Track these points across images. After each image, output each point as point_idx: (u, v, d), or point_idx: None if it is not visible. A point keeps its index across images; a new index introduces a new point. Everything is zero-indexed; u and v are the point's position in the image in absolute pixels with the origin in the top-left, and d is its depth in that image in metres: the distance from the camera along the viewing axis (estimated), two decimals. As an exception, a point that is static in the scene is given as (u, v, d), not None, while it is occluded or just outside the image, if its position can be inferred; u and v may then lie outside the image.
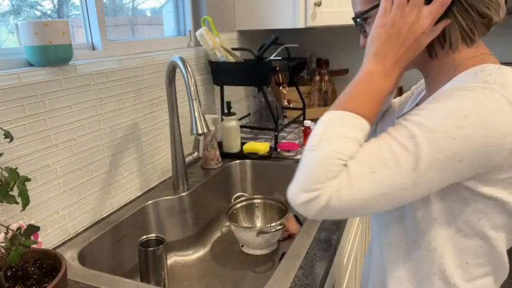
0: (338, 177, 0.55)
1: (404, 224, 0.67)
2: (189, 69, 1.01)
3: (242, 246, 1.21)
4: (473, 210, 0.60)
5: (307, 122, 1.59)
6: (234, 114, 1.49)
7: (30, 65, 0.92)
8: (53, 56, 0.90)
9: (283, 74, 2.17)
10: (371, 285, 0.80)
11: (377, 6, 0.61)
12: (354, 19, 0.67)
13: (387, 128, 0.58)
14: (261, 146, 1.48)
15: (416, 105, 0.72)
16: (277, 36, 1.45)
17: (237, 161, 1.49)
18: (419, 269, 0.66)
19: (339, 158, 0.55)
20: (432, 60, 0.64)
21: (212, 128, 1.40)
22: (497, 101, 0.52)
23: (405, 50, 0.59)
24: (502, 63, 0.63)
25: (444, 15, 0.57)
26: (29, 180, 0.69)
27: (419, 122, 0.54)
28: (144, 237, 0.99)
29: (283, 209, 1.22)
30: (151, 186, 1.29)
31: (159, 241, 0.98)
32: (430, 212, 0.62)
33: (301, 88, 2.05)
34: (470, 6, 0.57)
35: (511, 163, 0.55)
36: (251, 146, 1.50)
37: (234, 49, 1.62)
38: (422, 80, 0.75)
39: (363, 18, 0.65)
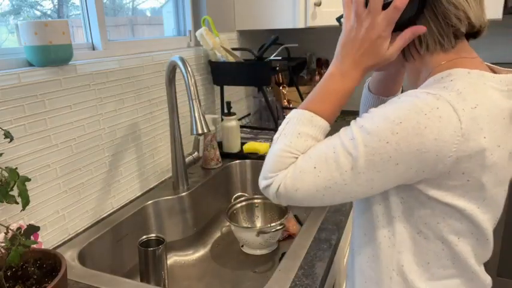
0: (287, 169, 0.63)
1: (367, 216, 0.70)
2: (189, 69, 1.01)
3: (242, 246, 1.21)
4: (431, 213, 0.61)
5: (307, 122, 1.59)
6: (234, 114, 1.49)
7: (30, 65, 0.92)
8: (53, 56, 0.90)
9: (283, 74, 2.17)
10: (349, 275, 0.82)
11: None
12: (338, 20, 0.75)
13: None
14: (261, 146, 1.48)
15: None
16: (277, 36, 1.45)
17: (237, 161, 1.49)
18: (379, 263, 0.69)
19: (290, 152, 0.63)
20: (409, 64, 0.67)
21: (212, 128, 1.40)
22: (438, 108, 0.53)
23: (362, 53, 0.63)
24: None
25: (417, 21, 0.60)
26: (29, 180, 0.69)
27: (361, 125, 0.58)
28: (144, 237, 0.98)
29: (283, 209, 1.22)
30: (151, 186, 1.29)
31: (159, 241, 0.98)
32: (389, 209, 0.65)
33: (301, 88, 2.05)
34: (440, 14, 0.59)
35: (462, 171, 0.55)
36: (251, 146, 1.50)
37: (234, 49, 1.62)
38: None
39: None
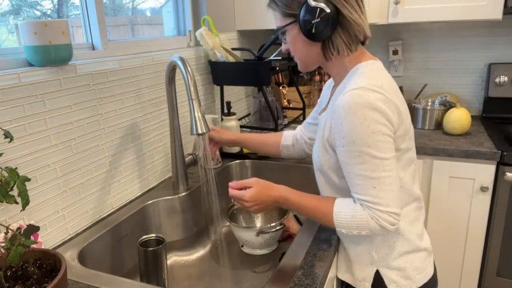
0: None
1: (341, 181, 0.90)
2: (189, 69, 1.01)
3: (242, 246, 1.21)
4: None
5: (307, 122, 1.59)
6: (234, 114, 1.49)
7: (30, 64, 0.92)
8: (52, 55, 0.90)
9: (283, 74, 2.17)
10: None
11: (292, 23, 0.86)
12: (276, 31, 0.93)
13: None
14: None
15: (331, 94, 0.97)
16: (277, 36, 1.45)
17: (237, 161, 1.49)
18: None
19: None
20: (329, 63, 0.89)
21: (212, 128, 1.40)
22: (369, 96, 0.77)
23: (261, 208, 0.94)
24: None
25: (332, 35, 0.83)
26: (29, 180, 0.69)
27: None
28: (144, 237, 0.98)
29: (283, 209, 1.22)
30: (151, 186, 1.29)
31: (159, 241, 0.98)
32: None
33: (301, 88, 2.05)
34: (348, 30, 0.83)
35: (401, 123, 0.82)
36: None
37: (234, 49, 1.62)
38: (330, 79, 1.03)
39: (282, 32, 0.91)
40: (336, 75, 0.91)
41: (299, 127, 1.19)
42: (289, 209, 0.94)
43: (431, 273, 0.94)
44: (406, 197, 0.89)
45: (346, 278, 0.97)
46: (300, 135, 1.17)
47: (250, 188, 0.90)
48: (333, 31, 0.82)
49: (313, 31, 0.82)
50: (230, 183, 0.93)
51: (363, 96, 0.76)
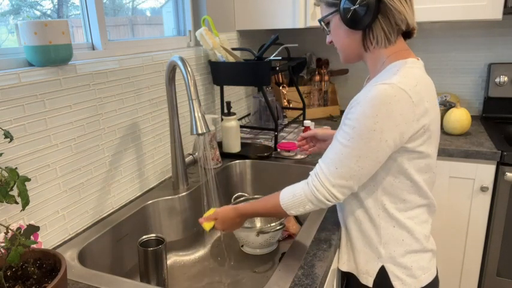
0: None
1: None
2: (189, 69, 1.01)
3: (242, 246, 1.21)
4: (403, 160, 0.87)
5: (307, 122, 1.59)
6: (234, 114, 1.49)
7: (30, 64, 0.92)
8: (52, 55, 0.90)
9: (283, 74, 2.17)
10: (342, 222, 0.99)
11: (334, 12, 0.88)
12: (319, 21, 0.94)
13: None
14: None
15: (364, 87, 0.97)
16: (277, 36, 1.45)
17: (237, 161, 1.49)
18: (368, 207, 0.90)
19: None
20: (367, 54, 0.89)
21: (212, 128, 1.40)
22: (395, 96, 0.77)
23: (228, 227, 1.02)
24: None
25: (373, 23, 0.83)
26: (28, 180, 0.69)
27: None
28: (144, 237, 0.98)
29: (283, 209, 1.22)
30: (151, 186, 1.29)
31: (159, 241, 0.98)
32: None
33: (301, 88, 2.05)
34: (388, 17, 0.82)
35: (422, 126, 0.80)
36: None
37: (234, 49, 1.62)
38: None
39: (325, 22, 0.92)
40: (372, 66, 0.91)
41: None
42: (253, 217, 1.04)
43: (435, 273, 0.95)
44: (420, 200, 0.89)
45: (349, 268, 0.98)
46: None
47: (216, 219, 0.99)
48: (373, 19, 0.81)
49: (354, 18, 0.82)
50: (200, 220, 1.00)
51: (388, 93, 0.76)
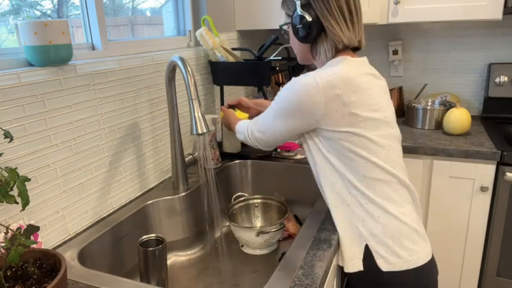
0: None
1: (316, 165, 1.00)
2: (189, 69, 1.01)
3: (242, 246, 1.21)
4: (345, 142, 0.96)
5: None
6: (234, 114, 1.49)
7: (30, 64, 0.92)
8: (52, 55, 0.90)
9: (283, 74, 2.17)
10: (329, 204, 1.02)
11: (288, 23, 1.02)
12: (280, 27, 1.08)
13: None
14: (241, 115, 1.43)
15: None
16: (277, 36, 1.45)
17: (237, 161, 1.49)
18: (340, 187, 0.96)
19: None
20: (315, 61, 1.03)
21: (212, 128, 1.40)
22: (306, 84, 0.89)
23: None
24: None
25: (318, 39, 0.96)
26: (28, 180, 0.69)
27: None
28: (144, 237, 0.98)
29: (283, 209, 1.22)
30: (151, 186, 1.29)
31: (159, 241, 0.98)
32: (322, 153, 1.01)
33: (301, 88, 2.04)
34: (327, 37, 0.95)
35: (335, 109, 0.89)
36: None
37: (234, 49, 1.62)
38: None
39: (284, 29, 1.07)
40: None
41: None
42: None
43: (427, 259, 0.94)
44: (378, 174, 0.93)
45: (341, 262, 0.98)
46: None
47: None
48: (316, 37, 0.96)
49: (300, 34, 0.97)
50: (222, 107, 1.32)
51: (301, 80, 0.90)
